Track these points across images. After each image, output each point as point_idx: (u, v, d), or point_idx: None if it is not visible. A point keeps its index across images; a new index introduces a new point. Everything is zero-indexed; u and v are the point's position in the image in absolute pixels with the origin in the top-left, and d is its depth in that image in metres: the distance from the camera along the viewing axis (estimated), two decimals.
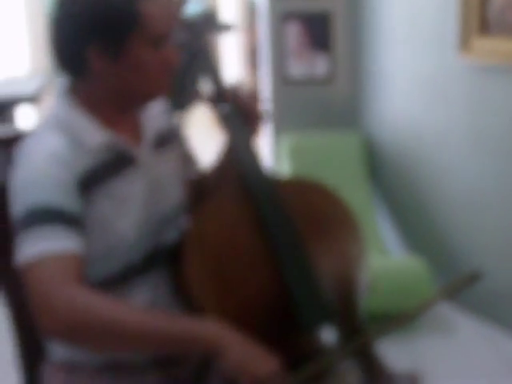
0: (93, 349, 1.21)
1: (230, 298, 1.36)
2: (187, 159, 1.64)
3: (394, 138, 3.74)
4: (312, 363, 1.29)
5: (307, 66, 3.96)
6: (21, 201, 1.27)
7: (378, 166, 3.93)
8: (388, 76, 3.73)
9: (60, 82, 1.43)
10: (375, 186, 3.99)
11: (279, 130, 4.06)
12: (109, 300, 1.21)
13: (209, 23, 1.60)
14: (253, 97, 1.54)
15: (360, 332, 1.42)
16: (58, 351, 1.48)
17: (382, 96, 3.80)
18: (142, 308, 1.22)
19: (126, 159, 1.40)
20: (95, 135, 1.36)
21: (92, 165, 1.35)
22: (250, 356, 1.20)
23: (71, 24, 1.31)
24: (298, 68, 3.96)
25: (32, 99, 3.97)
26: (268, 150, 4.17)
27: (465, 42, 3.07)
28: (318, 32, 3.93)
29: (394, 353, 3.04)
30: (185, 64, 1.57)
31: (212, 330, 1.20)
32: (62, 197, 1.28)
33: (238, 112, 1.54)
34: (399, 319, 1.29)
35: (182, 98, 1.61)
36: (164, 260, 1.47)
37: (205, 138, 6.52)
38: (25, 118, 5.43)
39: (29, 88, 4.17)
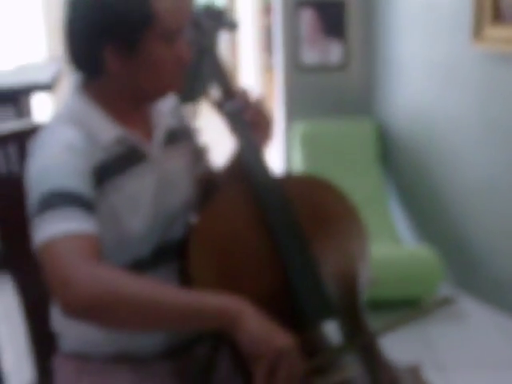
0: (112, 325, 1.18)
1: (234, 294, 1.38)
2: (198, 156, 1.66)
3: (407, 125, 3.73)
4: (315, 357, 1.31)
5: (321, 52, 3.96)
6: (36, 189, 1.28)
7: (391, 153, 3.93)
8: (401, 63, 3.71)
9: (75, 77, 1.45)
10: (388, 172, 3.99)
11: (292, 117, 4.06)
12: (129, 274, 1.20)
13: (216, 20, 1.60)
14: (259, 104, 1.55)
15: (362, 327, 1.44)
16: (68, 342, 1.51)
17: (395, 83, 3.79)
18: (164, 282, 1.22)
19: (137, 155, 1.43)
20: (108, 130, 1.39)
21: (104, 159, 1.38)
22: (267, 329, 1.20)
23: (84, 26, 1.33)
24: (311, 55, 3.96)
25: (48, 87, 3.99)
26: (280, 136, 4.18)
27: (478, 31, 3.06)
28: (332, 18, 3.92)
29: (405, 341, 3.05)
30: (193, 61, 1.58)
31: (230, 303, 1.20)
32: (78, 182, 1.29)
33: (245, 111, 1.54)
34: (404, 318, 1.30)
35: (190, 94, 1.62)
36: (172, 255, 1.49)
37: (220, 130, 6.51)
38: (41, 105, 5.46)
39: (45, 75, 4.18)
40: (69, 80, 5.32)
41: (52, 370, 1.57)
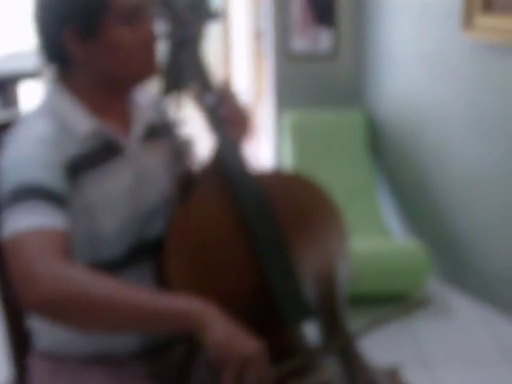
0: (75, 325, 1.15)
1: (211, 292, 1.35)
2: (179, 152, 1.62)
3: (397, 114, 3.70)
4: (294, 358, 1.29)
5: (311, 41, 3.92)
6: (8, 180, 1.26)
7: (381, 143, 3.90)
8: (392, 53, 3.68)
9: (50, 70, 1.42)
10: (377, 163, 3.96)
11: (281, 106, 4.02)
12: (94, 273, 1.17)
13: (196, 11, 1.56)
14: (236, 100, 1.51)
15: (341, 327, 1.42)
16: (43, 341, 1.48)
17: (385, 72, 3.76)
18: (129, 283, 1.19)
19: (113, 148, 1.40)
20: (83, 123, 1.36)
21: (79, 152, 1.35)
22: (234, 335, 1.18)
23: (46, 13, 1.32)
24: (301, 43, 3.91)
25: (35, 75, 3.95)
26: (270, 126, 4.15)
27: (468, 20, 3.02)
28: (322, 7, 3.87)
29: (392, 337, 3.03)
30: (172, 53, 1.54)
31: (197, 307, 1.17)
32: (49, 176, 1.26)
33: (224, 105, 1.51)
34: (382, 319, 1.28)
35: (170, 87, 1.58)
36: (149, 252, 1.47)
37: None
38: (28, 93, 5.41)
39: (32, 63, 4.14)
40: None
41: (27, 370, 1.54)
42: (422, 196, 3.60)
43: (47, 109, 1.37)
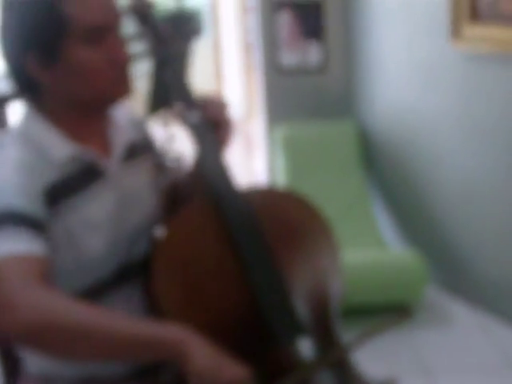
0: (55, 354, 1.13)
1: (200, 312, 1.33)
2: (161, 168, 1.61)
3: (389, 126, 3.70)
4: (288, 375, 1.27)
5: (300, 55, 3.92)
6: None
7: (373, 156, 3.89)
8: (381, 64, 3.68)
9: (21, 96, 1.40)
10: (370, 175, 3.95)
11: (272, 120, 4.02)
12: (73, 301, 1.14)
13: (175, 28, 1.56)
14: (221, 105, 1.50)
15: (335, 342, 1.40)
16: (33, 364, 1.46)
17: (375, 85, 3.76)
18: (108, 310, 1.16)
19: (93, 172, 1.38)
20: (61, 148, 1.34)
21: (58, 178, 1.33)
22: (217, 362, 1.15)
23: (7, 40, 1.30)
24: (290, 57, 3.92)
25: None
26: (261, 140, 4.14)
27: (456, 30, 3.03)
28: (310, 21, 3.88)
29: (391, 345, 3.02)
30: (154, 71, 1.53)
31: (178, 335, 1.15)
32: (26, 202, 1.24)
33: (207, 121, 1.50)
34: (372, 331, 1.26)
35: (153, 105, 1.57)
36: (137, 272, 1.45)
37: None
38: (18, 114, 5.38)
39: None
40: None
41: None
42: (417, 206, 3.59)
43: (22, 135, 1.35)
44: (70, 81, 1.31)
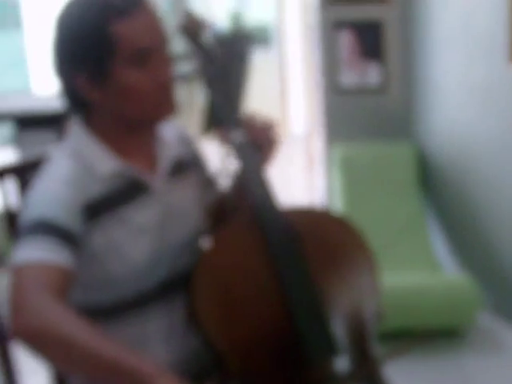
0: (45, 358, 1.17)
1: (237, 327, 1.36)
2: (208, 184, 1.64)
3: (447, 148, 3.66)
4: None
5: (359, 75, 3.92)
6: (28, 214, 1.31)
7: (431, 177, 3.86)
8: (440, 85, 3.65)
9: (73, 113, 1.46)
10: (427, 197, 3.92)
11: (331, 140, 4.03)
12: (72, 316, 1.18)
13: (224, 48, 1.58)
14: (266, 125, 1.53)
15: (369, 360, 1.40)
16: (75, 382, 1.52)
17: (434, 105, 3.73)
18: (101, 333, 1.17)
19: (138, 187, 1.42)
20: (107, 164, 1.39)
21: (103, 192, 1.38)
22: None
23: (59, 61, 1.36)
24: (350, 77, 3.92)
25: None
26: (320, 159, 4.15)
27: None
28: (370, 41, 3.88)
29: (441, 368, 2.97)
30: (206, 87, 1.56)
31: (147, 367, 1.13)
32: (62, 214, 1.30)
33: (251, 140, 1.52)
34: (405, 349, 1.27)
35: (205, 124, 1.60)
36: (180, 286, 1.48)
37: None
38: None
39: None
40: None
41: None
42: (473, 230, 3.54)
43: (71, 150, 1.40)
44: (117, 100, 1.36)
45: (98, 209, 1.37)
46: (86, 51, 1.32)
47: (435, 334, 3.23)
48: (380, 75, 3.92)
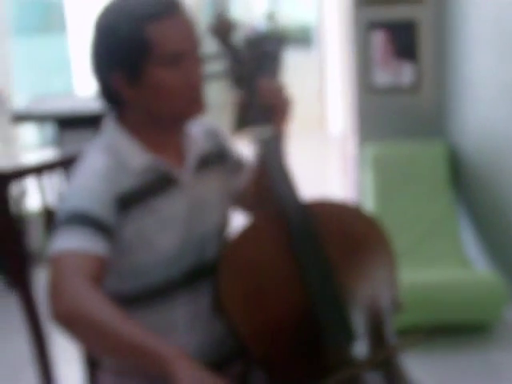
0: (79, 341, 1.24)
1: (259, 313, 1.43)
2: (235, 169, 1.70)
3: (479, 147, 3.68)
4: (337, 372, 1.35)
5: (393, 74, 3.97)
6: (65, 206, 1.40)
7: (463, 176, 3.88)
8: (473, 84, 3.67)
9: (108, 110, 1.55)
10: (459, 195, 3.94)
11: (364, 139, 4.08)
12: (106, 302, 1.25)
13: (253, 49, 1.63)
14: (277, 88, 1.56)
15: (387, 346, 1.46)
16: (108, 360, 1.61)
17: (467, 105, 3.76)
18: (129, 318, 1.24)
19: (167, 180, 1.50)
20: (138, 158, 1.47)
21: (134, 185, 1.46)
22: (198, 379, 1.16)
23: (96, 61, 1.45)
24: (383, 77, 3.97)
25: None
26: (353, 158, 4.20)
27: None
28: (403, 40, 3.92)
29: (468, 362, 3.00)
30: (236, 88, 1.61)
31: (171, 354, 1.18)
32: (96, 206, 1.39)
33: (277, 136, 1.57)
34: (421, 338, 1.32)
35: (236, 124, 1.65)
36: (206, 275, 1.56)
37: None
38: None
39: None
40: None
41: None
42: (504, 228, 3.55)
43: (105, 145, 1.49)
44: (150, 99, 1.44)
45: (130, 201, 1.45)
46: (122, 53, 1.40)
47: (463, 329, 3.26)
48: (413, 74, 3.96)
